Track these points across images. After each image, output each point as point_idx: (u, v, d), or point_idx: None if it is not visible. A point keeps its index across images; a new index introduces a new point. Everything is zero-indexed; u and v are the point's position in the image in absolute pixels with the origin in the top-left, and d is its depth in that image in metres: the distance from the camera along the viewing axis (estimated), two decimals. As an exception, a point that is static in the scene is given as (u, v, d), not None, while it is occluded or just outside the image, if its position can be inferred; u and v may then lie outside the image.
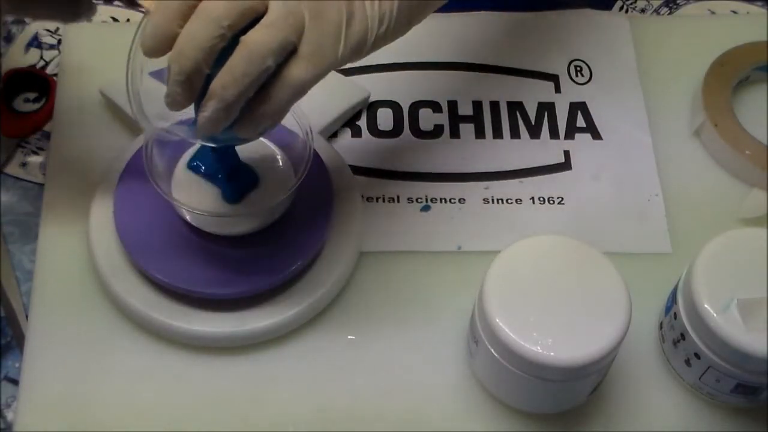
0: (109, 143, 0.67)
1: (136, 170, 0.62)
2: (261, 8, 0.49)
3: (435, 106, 0.71)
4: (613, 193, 0.68)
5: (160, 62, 0.51)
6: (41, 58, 0.75)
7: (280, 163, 0.62)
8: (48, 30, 0.76)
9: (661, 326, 0.61)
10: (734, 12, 0.81)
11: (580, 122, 0.71)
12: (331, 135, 0.69)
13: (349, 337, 0.62)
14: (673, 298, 0.59)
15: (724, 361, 0.56)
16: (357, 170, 0.67)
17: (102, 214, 0.62)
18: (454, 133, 0.70)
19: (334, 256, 0.62)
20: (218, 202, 0.60)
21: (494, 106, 0.71)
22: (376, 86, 0.71)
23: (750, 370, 0.55)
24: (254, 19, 0.49)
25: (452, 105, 0.71)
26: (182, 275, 0.59)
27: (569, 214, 0.67)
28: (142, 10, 0.52)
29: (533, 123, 0.71)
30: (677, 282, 0.59)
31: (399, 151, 0.69)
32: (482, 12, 0.76)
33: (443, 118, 0.71)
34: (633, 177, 0.69)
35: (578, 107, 0.72)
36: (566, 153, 0.70)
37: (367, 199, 0.67)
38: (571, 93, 0.73)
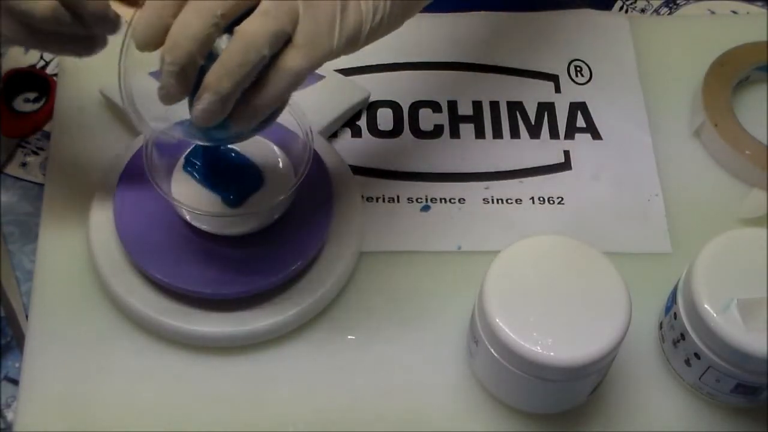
0: (109, 143, 0.67)
1: (136, 170, 0.62)
2: None
3: (435, 106, 0.71)
4: (613, 193, 0.68)
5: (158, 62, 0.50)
6: (41, 58, 0.75)
7: (280, 164, 0.62)
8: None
9: (661, 326, 0.61)
10: (734, 12, 0.81)
11: (580, 122, 0.71)
12: (331, 135, 0.69)
13: (349, 337, 0.62)
14: (673, 298, 0.59)
15: (724, 361, 0.56)
16: (357, 170, 0.67)
17: (102, 214, 0.62)
18: (454, 133, 0.70)
19: (334, 256, 0.62)
20: (218, 203, 0.60)
21: (494, 106, 0.71)
22: (376, 86, 0.71)
23: (750, 370, 0.55)
24: (248, 9, 0.49)
25: (452, 105, 0.71)
26: (182, 275, 0.59)
27: (569, 214, 0.67)
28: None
29: (533, 123, 0.71)
30: (677, 282, 0.59)
31: (399, 151, 0.69)
32: (482, 12, 0.76)
33: (443, 118, 0.71)
34: (633, 177, 0.69)
35: (578, 107, 0.72)
36: (566, 153, 0.70)
37: (367, 199, 0.67)
38: (571, 93, 0.73)
